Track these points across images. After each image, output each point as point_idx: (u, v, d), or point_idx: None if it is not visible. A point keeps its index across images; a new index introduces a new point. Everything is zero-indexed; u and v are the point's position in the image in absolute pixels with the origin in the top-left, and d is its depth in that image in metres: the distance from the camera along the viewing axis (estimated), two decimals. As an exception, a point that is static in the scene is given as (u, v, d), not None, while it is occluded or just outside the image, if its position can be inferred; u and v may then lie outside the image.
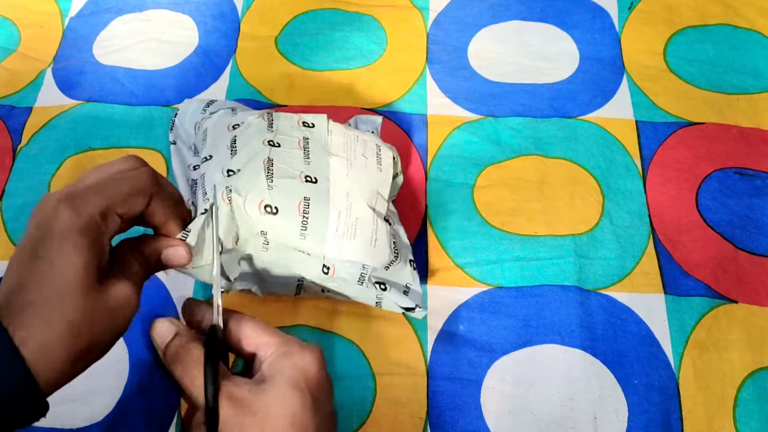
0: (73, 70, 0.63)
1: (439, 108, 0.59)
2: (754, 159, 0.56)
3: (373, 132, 0.52)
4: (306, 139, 0.46)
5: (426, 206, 0.54)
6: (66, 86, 0.62)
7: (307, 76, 0.61)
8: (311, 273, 0.44)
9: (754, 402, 0.47)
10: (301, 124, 0.47)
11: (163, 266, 0.39)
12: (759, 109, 0.59)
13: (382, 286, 0.45)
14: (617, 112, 0.59)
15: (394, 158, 0.49)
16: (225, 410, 0.33)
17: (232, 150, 0.44)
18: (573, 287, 0.50)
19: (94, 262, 0.32)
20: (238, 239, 0.43)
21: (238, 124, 0.46)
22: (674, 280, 0.51)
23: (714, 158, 0.56)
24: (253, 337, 0.37)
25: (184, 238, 0.38)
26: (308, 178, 0.44)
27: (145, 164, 0.37)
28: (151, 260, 0.38)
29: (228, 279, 0.44)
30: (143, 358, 0.49)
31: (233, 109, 0.50)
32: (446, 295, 0.50)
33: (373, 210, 0.46)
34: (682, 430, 0.46)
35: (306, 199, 0.43)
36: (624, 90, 0.60)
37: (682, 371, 0.48)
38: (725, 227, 0.53)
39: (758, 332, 0.49)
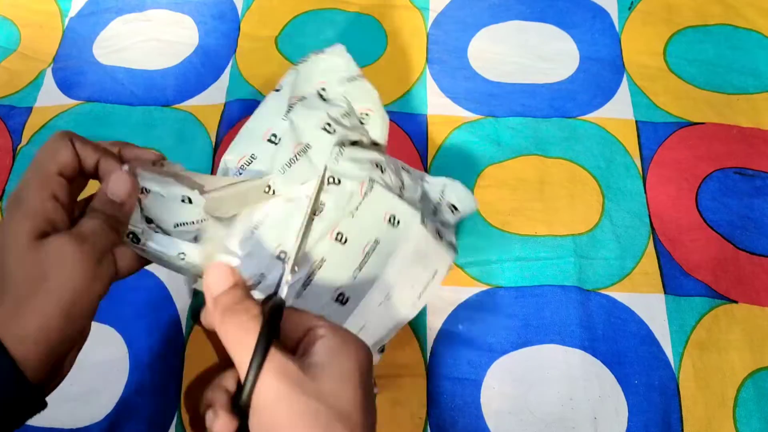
0: (73, 70, 0.63)
1: (439, 108, 0.59)
2: (754, 159, 0.56)
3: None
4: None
5: (426, 206, 0.54)
6: (66, 86, 0.62)
7: (307, 76, 0.61)
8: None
9: (754, 402, 0.47)
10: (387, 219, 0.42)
11: (119, 209, 0.35)
12: (759, 109, 0.59)
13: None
14: (617, 112, 0.59)
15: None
16: (271, 382, 0.29)
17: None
18: (573, 287, 0.50)
19: (34, 224, 0.31)
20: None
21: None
22: (674, 280, 0.51)
23: (714, 158, 0.56)
24: (303, 319, 0.33)
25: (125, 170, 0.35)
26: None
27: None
28: (106, 210, 0.34)
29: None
30: (143, 358, 0.49)
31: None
32: (446, 295, 0.50)
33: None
34: (682, 430, 0.46)
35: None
36: (624, 90, 0.60)
37: (682, 371, 0.48)
38: (725, 227, 0.53)
39: (758, 332, 0.49)
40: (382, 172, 0.42)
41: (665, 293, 0.50)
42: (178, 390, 0.48)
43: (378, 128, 0.45)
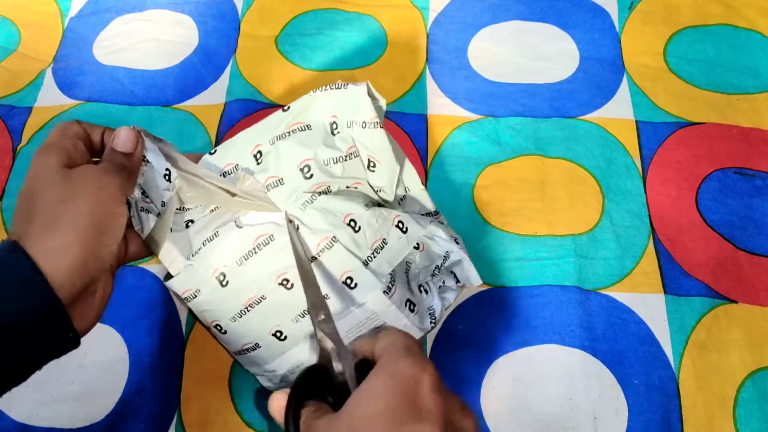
0: (73, 70, 0.63)
1: (439, 108, 0.59)
2: (754, 159, 0.56)
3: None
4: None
5: (426, 206, 0.54)
6: (66, 86, 0.62)
7: (307, 76, 0.61)
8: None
9: (754, 402, 0.47)
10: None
11: (128, 159, 0.37)
12: (759, 109, 0.59)
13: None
14: (617, 112, 0.59)
15: None
16: None
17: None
18: (573, 287, 0.50)
19: (61, 158, 0.35)
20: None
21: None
22: (674, 280, 0.51)
23: (714, 158, 0.56)
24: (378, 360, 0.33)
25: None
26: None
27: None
28: (115, 159, 0.37)
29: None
30: (143, 358, 0.49)
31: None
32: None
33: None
34: (682, 430, 0.46)
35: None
36: (624, 90, 0.60)
37: (682, 371, 0.48)
38: (725, 227, 0.53)
39: (758, 332, 0.49)
40: (355, 230, 0.41)
41: (665, 293, 0.50)
42: (178, 390, 0.48)
43: (384, 179, 0.43)
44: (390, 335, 0.34)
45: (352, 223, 0.41)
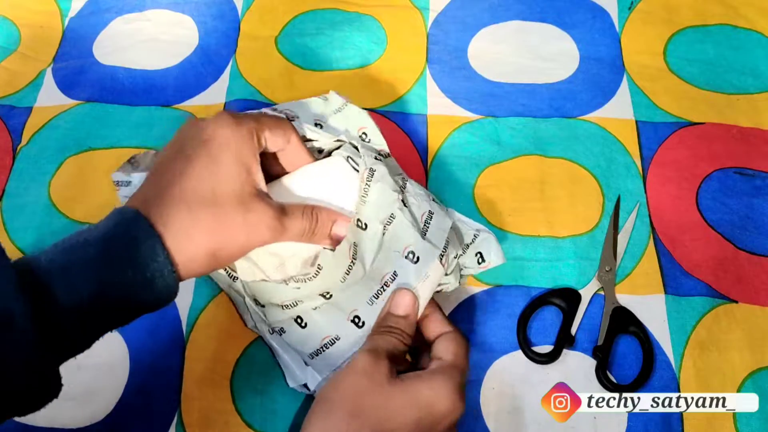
0: (73, 70, 0.63)
1: (439, 108, 0.59)
2: (754, 159, 0.56)
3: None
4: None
5: (426, 206, 0.54)
6: (66, 86, 0.62)
7: (307, 76, 0.61)
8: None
9: (755, 402, 0.47)
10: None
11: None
12: (759, 109, 0.59)
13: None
14: (617, 112, 0.59)
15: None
16: None
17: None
18: (573, 288, 0.50)
19: (247, 176, 0.36)
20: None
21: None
22: (674, 279, 0.51)
23: (714, 158, 0.56)
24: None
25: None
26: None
27: None
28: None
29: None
30: (143, 358, 0.49)
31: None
32: (446, 295, 0.50)
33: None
34: (683, 430, 0.46)
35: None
36: (624, 90, 0.60)
37: (683, 371, 0.48)
38: (725, 227, 0.53)
39: (758, 332, 0.49)
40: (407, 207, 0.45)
41: (665, 293, 0.50)
42: (178, 390, 0.48)
43: (380, 141, 0.48)
44: (455, 343, 0.41)
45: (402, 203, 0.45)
